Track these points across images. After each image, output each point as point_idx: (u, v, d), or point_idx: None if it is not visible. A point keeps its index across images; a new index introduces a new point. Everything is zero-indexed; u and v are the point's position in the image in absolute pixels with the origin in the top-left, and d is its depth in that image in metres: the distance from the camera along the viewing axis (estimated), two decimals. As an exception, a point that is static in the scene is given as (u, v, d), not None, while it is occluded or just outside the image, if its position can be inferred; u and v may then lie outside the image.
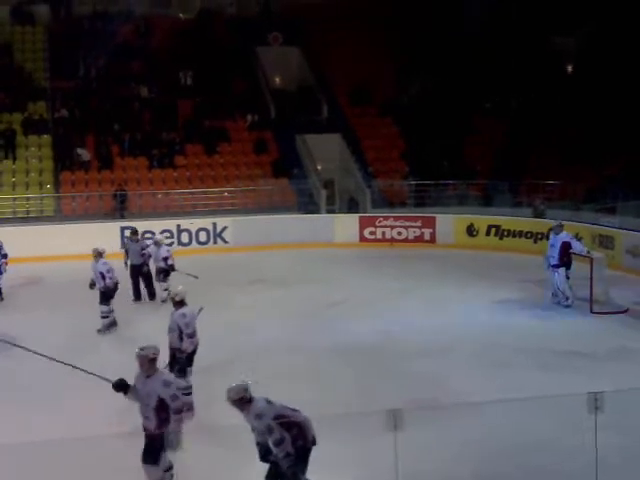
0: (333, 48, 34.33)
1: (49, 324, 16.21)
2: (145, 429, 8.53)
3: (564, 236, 17.87)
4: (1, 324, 15.76)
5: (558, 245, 17.69)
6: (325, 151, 31.00)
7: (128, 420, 9.43)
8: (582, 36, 33.14)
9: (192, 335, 11.55)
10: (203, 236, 26.40)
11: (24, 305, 18.67)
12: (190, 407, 11.37)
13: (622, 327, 16.03)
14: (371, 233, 26.90)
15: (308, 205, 29.05)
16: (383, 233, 26.80)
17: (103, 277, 16.01)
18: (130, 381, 8.71)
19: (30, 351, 9.61)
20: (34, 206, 27.53)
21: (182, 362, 11.54)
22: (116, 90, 31.98)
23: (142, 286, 18.88)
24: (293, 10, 35.31)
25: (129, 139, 30.25)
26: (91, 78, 32.70)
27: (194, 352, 11.70)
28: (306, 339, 15.41)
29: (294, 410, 8.13)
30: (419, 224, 26.63)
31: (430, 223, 26.53)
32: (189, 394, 11.47)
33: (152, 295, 18.66)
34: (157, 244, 19.09)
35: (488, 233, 25.72)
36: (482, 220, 25.97)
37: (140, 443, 8.64)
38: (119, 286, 16.58)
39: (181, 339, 11.48)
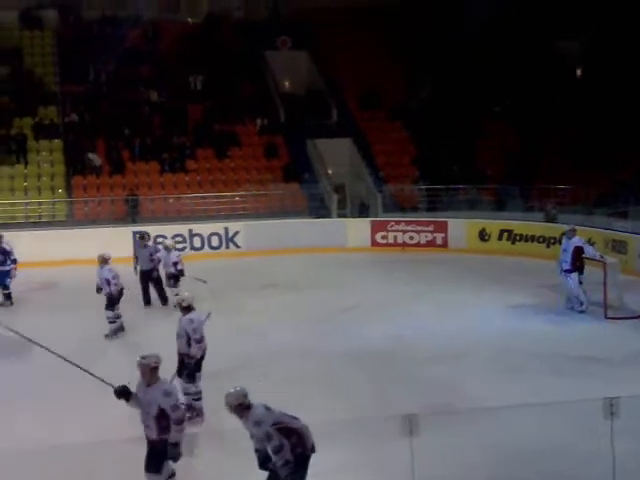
0: (341, 52, 34.32)
1: (58, 328, 16.11)
2: (147, 437, 8.47)
3: (577, 241, 17.77)
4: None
5: (571, 250, 17.59)
6: (335, 156, 30.93)
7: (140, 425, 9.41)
8: (589, 39, 33.05)
9: (200, 340, 11.50)
10: (215, 241, 26.41)
11: (34, 309, 18.65)
12: (200, 412, 11.38)
13: (637, 332, 15.91)
14: (383, 237, 26.83)
15: (319, 209, 29.00)
16: (395, 237, 26.73)
17: (108, 283, 16.03)
18: (133, 388, 8.64)
19: (47, 350, 9.60)
20: (46, 211, 27.56)
21: (191, 367, 11.49)
22: (126, 94, 31.97)
23: (152, 291, 18.83)
24: (301, 14, 35.29)
25: (140, 144, 30.26)
26: (101, 82, 32.69)
27: (202, 357, 11.65)
28: (318, 344, 15.33)
29: (293, 417, 8.05)
30: (431, 229, 26.57)
31: (442, 228, 26.47)
32: (199, 399, 11.47)
33: (164, 300, 18.56)
34: (167, 249, 19.07)
35: (500, 238, 25.64)
36: (494, 225, 25.89)
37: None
38: (128, 292, 16.61)
39: (189, 345, 11.43)
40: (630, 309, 17.10)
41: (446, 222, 26.58)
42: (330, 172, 30.68)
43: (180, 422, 8.29)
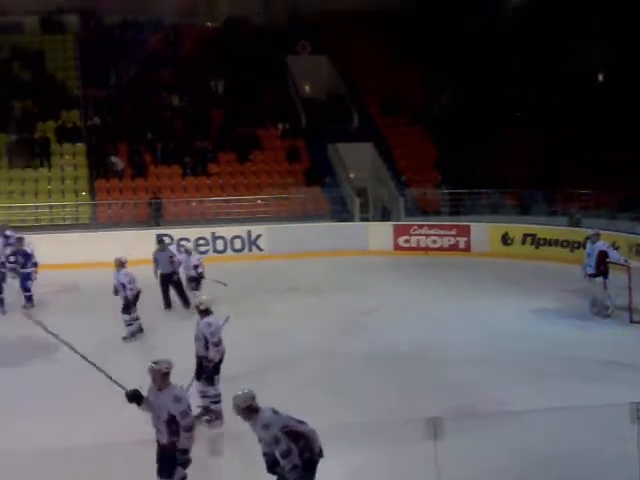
0: (360, 57, 34.34)
1: (78, 330, 16.05)
2: (158, 441, 8.39)
3: (601, 245, 17.67)
4: (33, 330, 15.75)
5: (595, 254, 17.48)
6: (357, 160, 30.93)
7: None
8: (612, 43, 32.80)
9: (218, 344, 11.48)
10: (238, 244, 26.47)
11: (55, 311, 18.60)
12: (219, 415, 11.35)
13: (663, 337, 15.78)
14: (405, 241, 26.78)
15: (341, 213, 29.01)
16: (418, 241, 26.70)
17: (124, 287, 16.10)
18: (146, 391, 8.57)
19: (71, 348, 9.61)
20: (70, 213, 27.69)
21: (209, 371, 11.50)
22: (147, 99, 32.09)
23: (173, 294, 18.84)
24: (321, 19, 35.31)
25: (162, 147, 30.35)
26: (122, 87, 32.82)
27: (221, 361, 11.62)
28: (340, 347, 15.29)
29: (300, 422, 7.96)
30: (454, 233, 26.51)
31: (465, 232, 26.39)
32: (218, 402, 11.44)
33: (186, 302, 18.53)
34: (188, 252, 19.10)
35: (524, 242, 25.52)
36: (517, 229, 25.78)
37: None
38: (146, 294, 16.62)
39: (207, 348, 11.42)
40: (656, 313, 16.94)
41: (469, 226, 26.50)
42: (352, 176, 30.66)
43: (189, 429, 8.16)
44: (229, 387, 11.43)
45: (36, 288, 19.47)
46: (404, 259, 25.64)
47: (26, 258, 19.30)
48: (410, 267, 24.13)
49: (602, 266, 17.33)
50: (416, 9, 35.33)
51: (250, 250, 26.45)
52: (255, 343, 15.32)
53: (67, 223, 27.18)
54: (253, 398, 7.91)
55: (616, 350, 14.81)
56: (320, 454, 7.90)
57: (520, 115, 33.06)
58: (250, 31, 36.16)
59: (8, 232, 21.14)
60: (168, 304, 18.84)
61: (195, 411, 10.98)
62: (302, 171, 30.50)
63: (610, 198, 26.84)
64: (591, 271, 17.45)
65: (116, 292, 16.32)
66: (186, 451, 8.19)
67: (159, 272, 18.77)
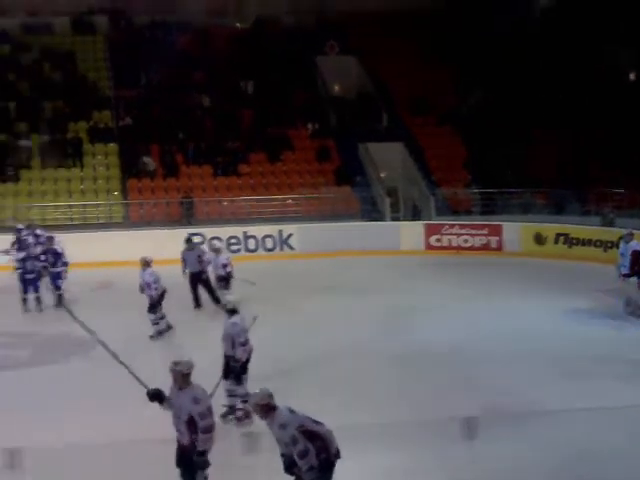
0: (388, 57, 34.25)
1: (108, 327, 16.16)
2: (178, 441, 8.32)
3: (634, 245, 17.48)
4: (63, 328, 15.85)
5: (628, 254, 17.31)
6: (387, 159, 30.86)
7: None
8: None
9: (244, 343, 11.48)
10: (269, 243, 26.54)
11: (87, 309, 18.47)
12: (248, 414, 11.34)
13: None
14: (437, 240, 26.70)
15: (371, 213, 28.97)
16: (449, 241, 26.61)
17: (149, 287, 16.22)
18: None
19: (102, 345, 9.67)
20: (103, 213, 27.89)
21: (237, 370, 11.51)
22: (178, 99, 32.16)
23: (202, 292, 18.85)
24: (348, 20, 35.34)
25: (193, 148, 30.47)
26: (153, 87, 32.97)
27: (248, 360, 11.62)
28: (373, 346, 15.24)
29: (317, 422, 7.89)
30: (485, 232, 26.39)
31: (497, 231, 26.26)
32: (246, 401, 11.42)
33: (216, 300, 18.40)
34: (216, 251, 19.06)
35: (556, 241, 25.33)
36: (550, 228, 25.61)
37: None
38: (175, 293, 16.70)
39: (234, 347, 11.43)
40: (689, 313, 16.77)
41: (501, 225, 26.35)
42: (382, 175, 30.61)
43: (207, 431, 8.05)
44: (258, 386, 11.48)
45: (69, 286, 19.58)
46: (436, 258, 25.56)
47: (56, 257, 19.45)
48: (442, 266, 24.05)
49: (636, 266, 17.14)
50: (446, 9, 35.24)
51: (282, 249, 26.50)
52: (286, 342, 15.33)
53: (100, 222, 27.36)
54: (271, 396, 7.87)
55: (650, 350, 14.69)
56: (337, 455, 7.82)
57: (550, 115, 32.80)
58: (279, 31, 36.24)
59: (38, 231, 21.21)
60: (198, 304, 18.84)
61: (221, 410, 11.04)
62: (332, 171, 30.47)
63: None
64: (625, 271, 17.28)
65: (142, 290, 16.44)
66: (204, 453, 8.11)
67: (188, 271, 18.80)
